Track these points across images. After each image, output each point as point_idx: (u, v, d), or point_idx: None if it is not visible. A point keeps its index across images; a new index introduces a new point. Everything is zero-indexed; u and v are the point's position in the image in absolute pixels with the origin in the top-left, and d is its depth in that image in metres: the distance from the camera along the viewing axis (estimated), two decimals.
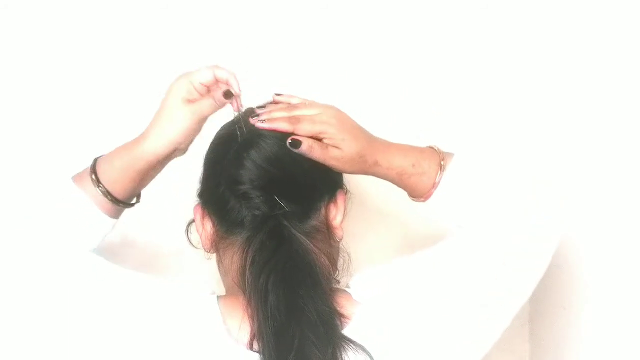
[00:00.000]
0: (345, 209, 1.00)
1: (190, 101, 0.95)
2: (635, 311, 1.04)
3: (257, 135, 0.95)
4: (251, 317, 0.88)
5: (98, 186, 0.97)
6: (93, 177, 0.97)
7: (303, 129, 0.94)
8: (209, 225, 0.99)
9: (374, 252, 1.31)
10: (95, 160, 0.99)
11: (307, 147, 0.94)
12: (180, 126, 0.95)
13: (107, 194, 0.97)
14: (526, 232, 0.97)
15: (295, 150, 0.94)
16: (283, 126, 0.94)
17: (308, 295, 0.88)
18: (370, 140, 0.98)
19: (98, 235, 0.99)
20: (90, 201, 0.97)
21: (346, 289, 0.95)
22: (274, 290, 0.88)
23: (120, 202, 0.99)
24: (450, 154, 1.01)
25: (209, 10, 1.35)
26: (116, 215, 1.00)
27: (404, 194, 1.04)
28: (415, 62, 1.39)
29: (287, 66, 1.35)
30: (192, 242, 1.04)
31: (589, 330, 1.18)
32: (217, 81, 0.94)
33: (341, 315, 0.89)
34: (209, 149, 1.00)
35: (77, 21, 1.33)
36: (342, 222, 0.99)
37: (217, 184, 0.96)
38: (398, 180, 1.00)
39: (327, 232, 0.98)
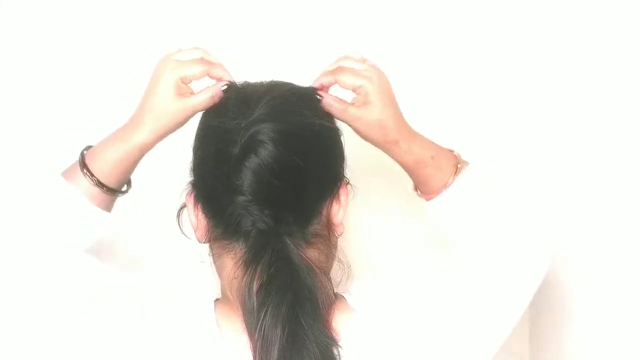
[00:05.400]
0: (347, 202, 0.96)
1: (182, 95, 0.94)
2: (635, 311, 1.04)
3: (256, 141, 0.88)
4: (255, 349, 0.86)
5: (91, 179, 0.96)
6: (85, 170, 0.96)
7: (343, 81, 0.96)
8: (203, 218, 0.95)
9: (372, 256, 1.31)
10: (83, 153, 0.98)
11: (326, 105, 0.95)
12: (177, 120, 0.95)
13: (101, 185, 0.96)
14: (520, 255, 0.97)
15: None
16: (325, 80, 0.96)
17: (309, 325, 0.86)
18: (398, 118, 0.98)
19: (94, 232, 0.98)
20: (83, 196, 0.96)
21: (344, 295, 0.93)
22: (288, 324, 0.85)
23: (113, 191, 0.98)
24: (466, 162, 1.01)
25: (208, 9, 1.36)
26: (109, 207, 1.00)
27: (404, 198, 1.03)
28: (415, 61, 1.39)
29: (286, 64, 1.35)
30: (185, 232, 0.99)
31: (588, 330, 1.18)
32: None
33: (338, 345, 0.87)
34: (198, 140, 0.95)
35: (76, 20, 1.33)
36: (343, 217, 0.95)
37: (214, 187, 0.92)
38: (414, 168, 0.99)
39: (327, 231, 0.95)
